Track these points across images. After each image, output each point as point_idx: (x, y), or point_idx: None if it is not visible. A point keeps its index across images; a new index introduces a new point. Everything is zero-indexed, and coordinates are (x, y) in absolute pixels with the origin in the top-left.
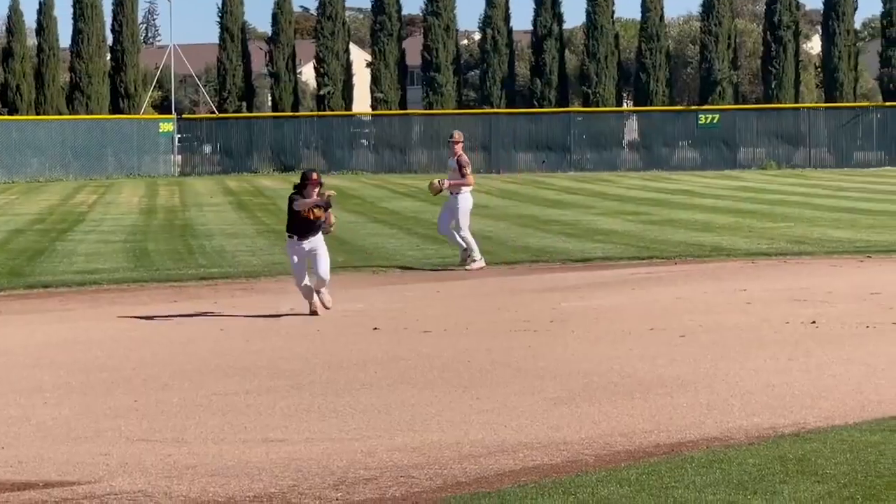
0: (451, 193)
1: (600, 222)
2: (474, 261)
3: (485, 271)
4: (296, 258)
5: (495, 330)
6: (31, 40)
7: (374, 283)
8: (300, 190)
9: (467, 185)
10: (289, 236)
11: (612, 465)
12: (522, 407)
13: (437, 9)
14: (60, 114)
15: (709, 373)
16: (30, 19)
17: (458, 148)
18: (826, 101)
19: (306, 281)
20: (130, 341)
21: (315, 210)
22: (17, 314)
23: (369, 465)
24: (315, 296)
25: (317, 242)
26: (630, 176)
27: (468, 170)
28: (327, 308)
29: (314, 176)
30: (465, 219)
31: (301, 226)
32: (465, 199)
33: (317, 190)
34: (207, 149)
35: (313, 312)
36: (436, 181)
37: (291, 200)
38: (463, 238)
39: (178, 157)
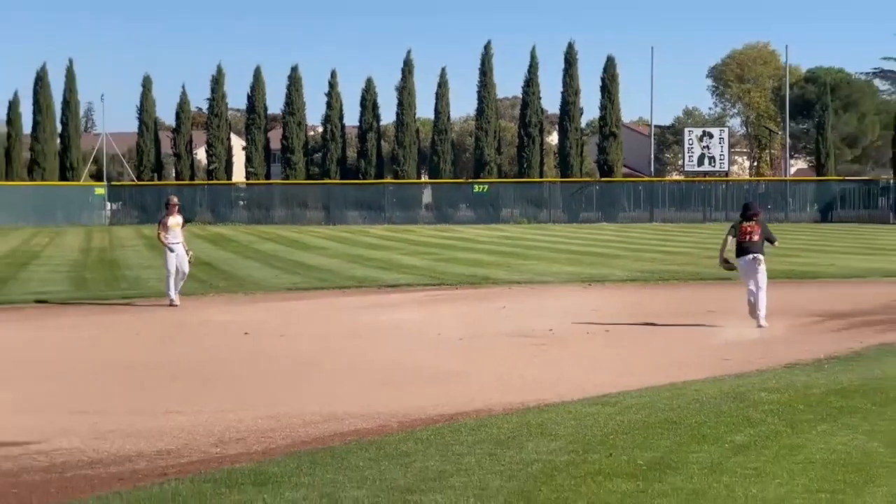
0: None
1: (404, 259)
2: None
3: (324, 293)
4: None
5: (330, 335)
6: (2, 128)
7: (246, 301)
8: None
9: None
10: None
11: (410, 429)
12: (349, 389)
13: (292, 109)
14: (23, 181)
15: (478, 366)
16: (0, 112)
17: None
18: (562, 177)
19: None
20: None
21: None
22: None
23: (240, 429)
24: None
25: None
26: (426, 228)
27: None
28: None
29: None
30: None
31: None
32: None
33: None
34: (121, 206)
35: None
36: None
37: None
38: None
39: (108, 212)
